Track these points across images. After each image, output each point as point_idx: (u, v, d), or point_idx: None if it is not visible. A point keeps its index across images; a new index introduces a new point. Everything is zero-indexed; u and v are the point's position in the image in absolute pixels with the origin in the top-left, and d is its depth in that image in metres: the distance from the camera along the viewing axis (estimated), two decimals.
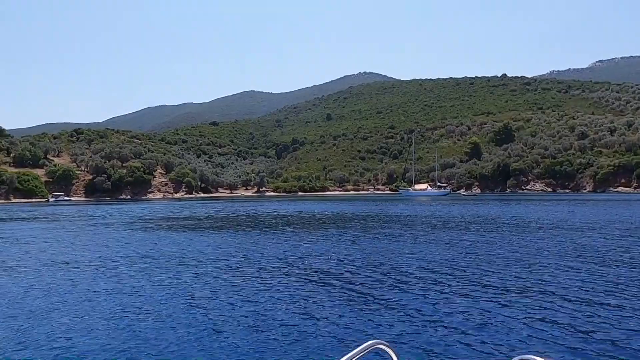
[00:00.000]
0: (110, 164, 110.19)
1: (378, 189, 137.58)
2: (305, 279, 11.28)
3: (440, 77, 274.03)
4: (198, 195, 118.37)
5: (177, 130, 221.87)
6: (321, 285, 10.48)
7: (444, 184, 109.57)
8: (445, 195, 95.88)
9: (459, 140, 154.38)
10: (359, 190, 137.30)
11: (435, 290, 9.82)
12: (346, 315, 8.06)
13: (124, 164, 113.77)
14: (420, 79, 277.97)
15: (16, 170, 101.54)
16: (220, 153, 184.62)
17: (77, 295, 9.90)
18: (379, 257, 14.53)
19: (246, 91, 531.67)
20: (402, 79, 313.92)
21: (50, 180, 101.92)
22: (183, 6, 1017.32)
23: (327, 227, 26.65)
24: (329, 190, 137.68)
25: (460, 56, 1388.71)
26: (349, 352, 1.89)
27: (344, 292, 9.83)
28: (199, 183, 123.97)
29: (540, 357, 1.71)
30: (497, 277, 11.21)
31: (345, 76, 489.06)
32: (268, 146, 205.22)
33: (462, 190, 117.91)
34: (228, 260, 14.42)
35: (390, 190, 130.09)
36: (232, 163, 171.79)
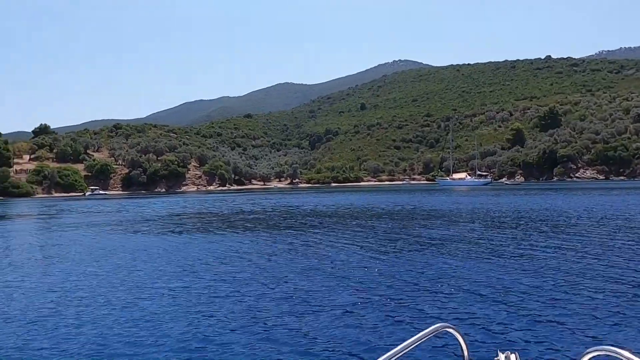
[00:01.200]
0: (146, 158, 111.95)
1: (414, 179, 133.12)
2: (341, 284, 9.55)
3: (479, 61, 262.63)
4: (231, 187, 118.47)
5: (212, 124, 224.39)
6: (361, 296, 8.55)
7: (484, 173, 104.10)
8: (486, 184, 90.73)
9: (499, 126, 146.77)
10: (393, 181, 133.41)
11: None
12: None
13: (159, 158, 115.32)
14: (457, 65, 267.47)
15: (58, 165, 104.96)
16: (254, 145, 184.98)
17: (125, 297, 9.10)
18: (422, 278, 11.89)
19: (280, 83, 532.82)
20: (438, 65, 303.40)
21: (89, 174, 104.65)
22: (218, 3, 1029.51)
23: (359, 224, 24.10)
24: (363, 180, 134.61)
25: (500, 39, 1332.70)
26: (415, 335, 1.86)
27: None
28: (233, 175, 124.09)
29: (617, 347, 1.67)
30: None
31: (379, 65, 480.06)
32: (301, 137, 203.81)
33: (504, 179, 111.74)
34: (258, 262, 12.60)
35: (426, 180, 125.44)
36: (266, 155, 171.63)
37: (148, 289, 9.55)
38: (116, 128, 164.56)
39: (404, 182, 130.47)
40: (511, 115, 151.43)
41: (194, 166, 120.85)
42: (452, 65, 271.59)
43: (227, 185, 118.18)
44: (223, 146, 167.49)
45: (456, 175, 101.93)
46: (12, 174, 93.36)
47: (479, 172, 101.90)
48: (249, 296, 8.68)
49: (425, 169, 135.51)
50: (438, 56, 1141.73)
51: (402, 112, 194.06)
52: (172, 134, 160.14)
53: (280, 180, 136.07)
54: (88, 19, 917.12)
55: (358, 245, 15.01)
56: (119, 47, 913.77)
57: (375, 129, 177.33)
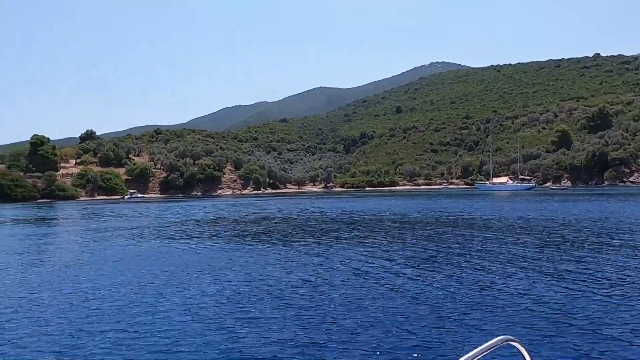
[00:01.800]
0: (183, 162, 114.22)
1: (452, 183, 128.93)
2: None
3: (521, 61, 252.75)
4: (266, 191, 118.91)
5: (249, 128, 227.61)
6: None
7: (527, 177, 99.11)
8: (529, 189, 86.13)
9: (543, 128, 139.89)
10: (430, 185, 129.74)
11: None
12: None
13: (195, 162, 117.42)
14: (498, 65, 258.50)
15: (101, 169, 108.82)
16: (289, 149, 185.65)
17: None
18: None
19: (316, 88, 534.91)
20: (477, 66, 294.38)
21: (130, 178, 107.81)
22: (254, 10, 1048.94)
23: (397, 232, 22.66)
24: (398, 185, 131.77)
25: (543, 38, 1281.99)
26: (475, 348, 1.82)
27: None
28: (267, 179, 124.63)
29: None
30: None
31: (416, 67, 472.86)
32: (336, 141, 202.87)
33: (548, 183, 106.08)
34: (298, 273, 11.95)
35: (465, 185, 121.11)
36: (301, 159, 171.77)
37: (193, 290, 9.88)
38: (156, 133, 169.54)
39: (442, 186, 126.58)
40: (556, 116, 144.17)
41: (230, 170, 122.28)
42: (492, 66, 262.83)
43: (261, 189, 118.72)
44: (259, 150, 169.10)
45: (497, 180, 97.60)
46: (58, 177, 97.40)
47: (521, 176, 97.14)
48: (294, 307, 8.52)
49: (463, 173, 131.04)
50: (477, 57, 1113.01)
51: (440, 114, 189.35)
52: (209, 139, 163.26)
53: (314, 184, 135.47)
54: (133, 29, 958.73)
55: (397, 256, 13.95)
56: (162, 56, 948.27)
57: (412, 132, 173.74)
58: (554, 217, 25.82)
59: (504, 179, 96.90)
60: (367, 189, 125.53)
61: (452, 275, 10.89)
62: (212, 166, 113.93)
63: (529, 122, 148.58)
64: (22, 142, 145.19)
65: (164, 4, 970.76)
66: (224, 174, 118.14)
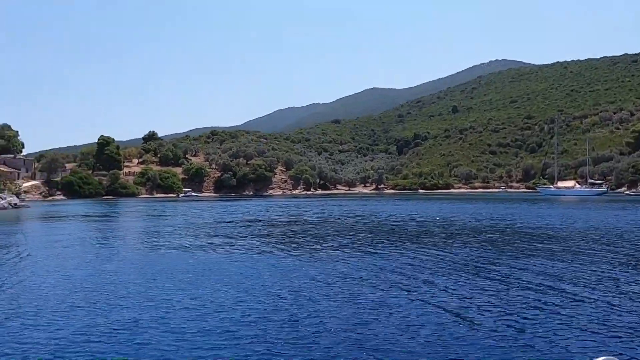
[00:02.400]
0: (236, 162, 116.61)
1: (511, 187, 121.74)
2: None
3: (591, 57, 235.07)
4: (316, 192, 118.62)
5: (301, 130, 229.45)
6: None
7: (598, 181, 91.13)
8: (600, 195, 79.00)
9: (617, 129, 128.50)
10: (488, 188, 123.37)
11: None
12: None
13: (248, 162, 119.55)
14: (564, 62, 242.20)
15: (160, 168, 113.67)
16: (341, 150, 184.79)
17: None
18: None
19: (369, 89, 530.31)
20: (541, 63, 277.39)
21: (186, 177, 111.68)
22: (306, 12, 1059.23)
23: (460, 241, 20.86)
24: (453, 187, 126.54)
25: (618, 30, 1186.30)
26: None
27: None
28: (318, 180, 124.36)
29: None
30: None
31: (474, 66, 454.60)
32: (389, 142, 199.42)
33: (623, 188, 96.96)
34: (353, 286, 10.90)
35: (526, 189, 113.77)
36: (352, 160, 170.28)
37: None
38: (212, 134, 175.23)
39: (500, 189, 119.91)
40: (632, 115, 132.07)
41: (281, 170, 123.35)
42: (558, 62, 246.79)
43: (311, 189, 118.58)
44: (310, 151, 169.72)
45: (562, 184, 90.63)
46: (121, 175, 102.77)
47: (591, 181, 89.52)
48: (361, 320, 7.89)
49: (524, 176, 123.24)
50: (541, 54, 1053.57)
51: (499, 114, 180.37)
52: (262, 140, 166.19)
53: (365, 186, 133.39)
54: (196, 35, 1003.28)
55: (461, 270, 12.44)
56: (219, 59, 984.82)
57: (468, 133, 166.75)
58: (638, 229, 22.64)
59: (570, 183, 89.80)
60: (420, 191, 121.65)
61: (537, 292, 9.58)
62: (263, 166, 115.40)
63: (600, 121, 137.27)
64: (93, 142, 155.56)
65: (221, 7, 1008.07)
66: (275, 174, 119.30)
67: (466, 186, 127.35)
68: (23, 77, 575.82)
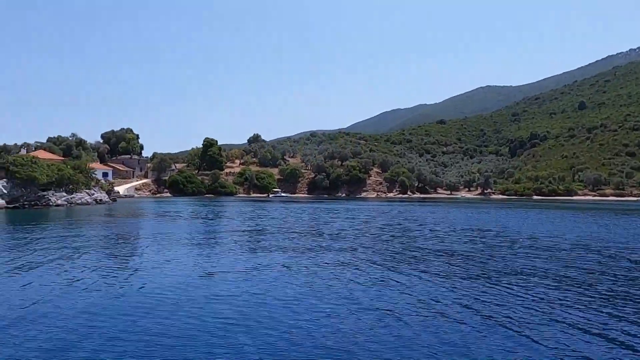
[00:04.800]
0: (330, 164, 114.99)
1: None
2: None
3: None
4: (413, 195, 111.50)
5: (403, 131, 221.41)
6: None
7: None
8: None
9: None
10: (623, 196, 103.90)
11: None
12: None
13: (343, 163, 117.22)
14: None
15: (259, 169, 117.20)
16: (445, 152, 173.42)
17: None
18: None
19: (481, 87, 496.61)
20: None
21: (281, 177, 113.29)
22: (411, 10, 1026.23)
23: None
24: (577, 194, 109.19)
25: None
26: None
27: None
28: (416, 183, 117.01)
29: None
30: None
31: (608, 56, 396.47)
32: (500, 143, 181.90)
33: None
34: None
35: None
36: (457, 162, 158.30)
37: None
38: (312, 136, 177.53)
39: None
40: None
41: (376, 172, 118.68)
42: None
43: (408, 192, 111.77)
44: (411, 152, 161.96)
45: None
46: (222, 175, 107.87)
47: None
48: None
49: None
50: None
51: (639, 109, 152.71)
52: (361, 141, 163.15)
53: (469, 190, 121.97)
54: (306, 42, 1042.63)
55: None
56: (324, 59, 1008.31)
57: (599, 132, 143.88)
58: None
59: None
60: (535, 197, 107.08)
61: None
62: (357, 168, 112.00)
63: None
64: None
65: (336, 7, 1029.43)
66: (370, 175, 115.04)
67: (593, 193, 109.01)
68: (149, 87, 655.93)
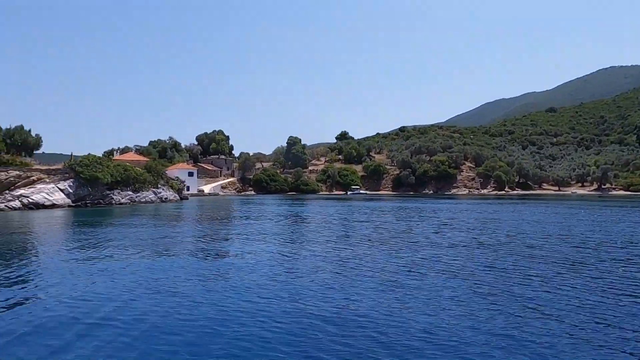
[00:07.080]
0: (416, 159, 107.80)
1: None
2: None
3: None
4: (511, 191, 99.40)
5: (505, 122, 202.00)
6: None
7: None
8: None
9: None
10: None
11: None
12: None
13: (431, 158, 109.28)
14: None
15: (343, 166, 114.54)
16: (554, 143, 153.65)
17: None
18: None
19: (603, 68, 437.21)
20: None
21: (365, 174, 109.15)
22: None
23: None
24: None
25: None
26: None
27: None
28: (516, 177, 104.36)
29: None
30: None
31: None
32: (626, 131, 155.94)
33: None
34: None
35: None
36: (569, 154, 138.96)
37: None
38: (401, 131, 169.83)
39: None
40: None
41: (469, 167, 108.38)
42: None
43: (505, 188, 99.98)
44: (513, 145, 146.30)
45: None
46: (305, 173, 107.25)
47: None
48: None
49: None
50: None
51: None
52: (455, 135, 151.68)
53: (582, 185, 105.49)
54: (401, 37, 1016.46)
55: None
56: (419, 51, 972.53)
57: None
58: None
59: None
60: None
61: None
62: (446, 163, 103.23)
63: None
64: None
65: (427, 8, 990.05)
66: (462, 171, 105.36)
67: None
68: (238, 93, 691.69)
